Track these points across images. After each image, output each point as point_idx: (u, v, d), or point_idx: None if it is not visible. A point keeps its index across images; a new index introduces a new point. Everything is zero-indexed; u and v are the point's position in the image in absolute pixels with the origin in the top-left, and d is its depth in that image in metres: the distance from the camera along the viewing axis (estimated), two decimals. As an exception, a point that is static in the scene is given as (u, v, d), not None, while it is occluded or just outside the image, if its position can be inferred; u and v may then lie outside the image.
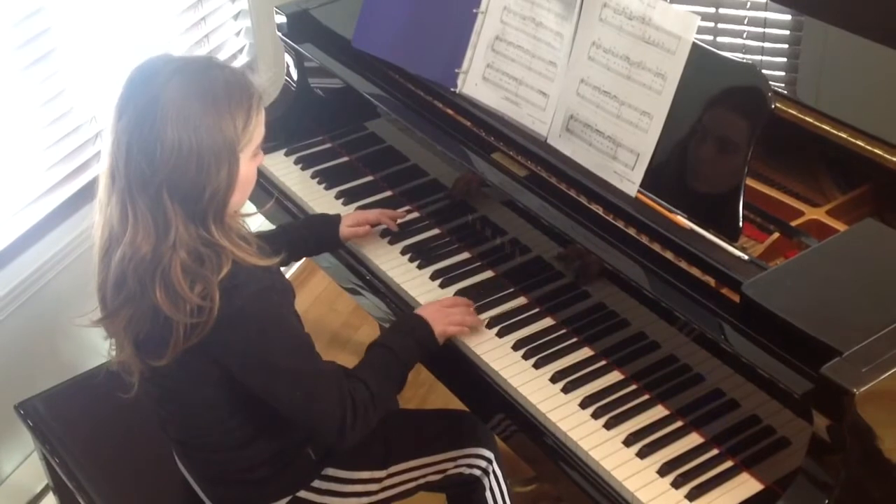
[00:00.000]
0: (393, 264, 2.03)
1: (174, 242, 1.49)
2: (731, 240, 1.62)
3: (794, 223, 1.77)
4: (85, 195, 2.52)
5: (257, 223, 3.13)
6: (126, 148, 1.49)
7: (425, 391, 2.76)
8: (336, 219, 2.06)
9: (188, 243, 1.50)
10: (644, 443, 1.62)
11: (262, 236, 1.77)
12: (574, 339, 1.81)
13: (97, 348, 1.83)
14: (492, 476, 1.94)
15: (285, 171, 2.32)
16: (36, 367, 2.43)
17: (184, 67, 1.50)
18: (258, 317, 1.55)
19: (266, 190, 2.29)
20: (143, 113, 1.47)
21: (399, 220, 2.11)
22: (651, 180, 1.73)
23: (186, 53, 1.61)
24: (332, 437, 1.64)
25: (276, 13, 2.36)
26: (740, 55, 2.07)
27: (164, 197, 1.48)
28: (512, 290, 1.93)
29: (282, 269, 1.71)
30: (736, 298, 1.53)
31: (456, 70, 2.02)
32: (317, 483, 1.79)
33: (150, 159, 1.47)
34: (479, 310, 1.88)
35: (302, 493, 1.78)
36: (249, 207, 1.79)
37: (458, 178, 2.01)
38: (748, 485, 1.56)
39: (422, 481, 1.89)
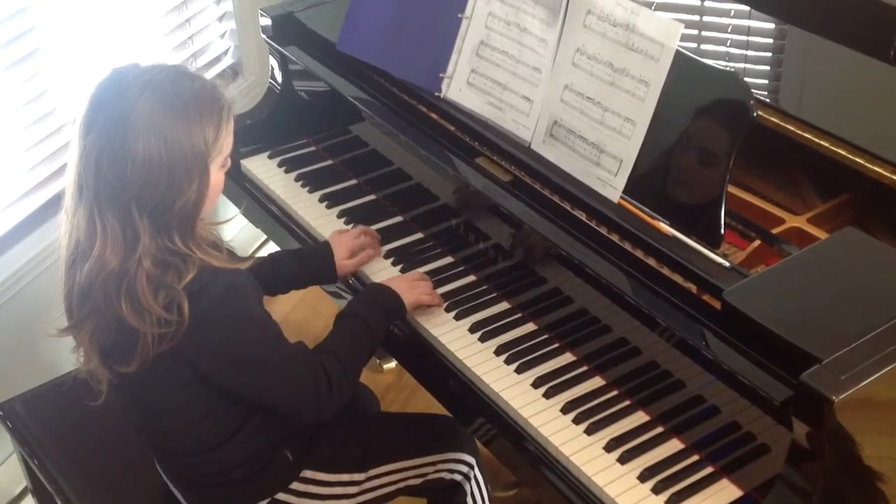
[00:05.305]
0: (376, 268, 2.02)
1: (140, 255, 1.49)
2: (713, 247, 1.62)
3: (775, 231, 1.78)
4: (67, 196, 2.51)
5: (241, 225, 3.12)
6: (95, 163, 1.48)
7: (406, 395, 2.76)
8: (327, 251, 1.98)
9: (154, 254, 1.50)
10: (625, 448, 1.62)
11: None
12: (556, 345, 1.81)
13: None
14: (473, 482, 1.93)
15: (269, 173, 2.31)
16: (16, 369, 2.41)
17: (153, 80, 1.49)
18: (226, 314, 1.56)
19: (248, 192, 2.29)
20: (112, 128, 1.46)
21: (383, 224, 2.11)
22: (634, 186, 1.74)
23: (155, 62, 1.58)
24: (310, 413, 1.67)
25: (262, 15, 2.36)
26: (723, 63, 2.08)
27: (133, 211, 1.48)
28: (494, 294, 1.93)
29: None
30: (717, 305, 1.53)
31: (441, 74, 2.02)
32: (295, 485, 1.79)
33: (120, 174, 1.46)
34: (462, 314, 1.89)
35: (280, 496, 1.78)
36: (222, 216, 1.75)
37: (457, 188, 2.00)
38: (728, 491, 1.56)
39: (402, 485, 1.89)
